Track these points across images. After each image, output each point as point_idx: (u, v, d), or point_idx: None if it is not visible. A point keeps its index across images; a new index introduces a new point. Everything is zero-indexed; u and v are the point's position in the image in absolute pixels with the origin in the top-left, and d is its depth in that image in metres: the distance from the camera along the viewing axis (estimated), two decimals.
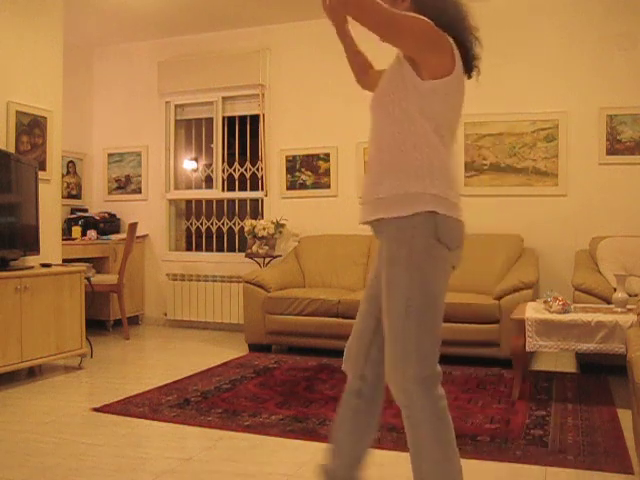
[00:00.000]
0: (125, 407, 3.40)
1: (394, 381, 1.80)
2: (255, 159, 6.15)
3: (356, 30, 1.96)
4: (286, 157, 5.92)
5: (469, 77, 1.86)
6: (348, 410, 1.97)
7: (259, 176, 6.08)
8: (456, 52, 1.75)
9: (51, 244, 4.64)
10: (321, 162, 5.79)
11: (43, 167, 4.62)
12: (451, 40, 1.74)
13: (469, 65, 1.84)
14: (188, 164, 6.57)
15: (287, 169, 5.92)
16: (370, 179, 1.84)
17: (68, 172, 6.25)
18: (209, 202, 6.37)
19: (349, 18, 1.84)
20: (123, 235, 5.94)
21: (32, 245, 4.31)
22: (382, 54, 1.97)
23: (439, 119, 1.75)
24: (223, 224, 6.28)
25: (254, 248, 5.63)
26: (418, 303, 1.77)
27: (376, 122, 1.86)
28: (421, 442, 1.79)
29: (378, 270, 1.88)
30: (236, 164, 6.20)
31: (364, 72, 2.17)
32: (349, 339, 2.01)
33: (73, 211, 6.20)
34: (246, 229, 5.67)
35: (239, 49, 6.00)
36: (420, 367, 1.80)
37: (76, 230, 5.90)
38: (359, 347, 1.95)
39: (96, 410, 3.35)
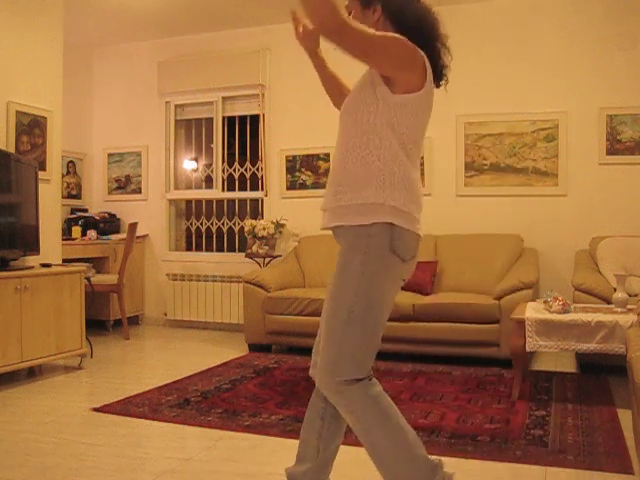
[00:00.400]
0: (125, 407, 3.40)
1: (326, 384, 1.83)
2: (255, 159, 6.15)
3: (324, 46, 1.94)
4: (286, 157, 5.92)
5: (438, 86, 1.90)
6: (316, 414, 2.02)
7: (259, 176, 6.08)
8: (428, 66, 1.78)
9: (51, 244, 4.64)
10: (321, 162, 5.79)
11: (43, 167, 4.62)
12: (422, 53, 1.76)
13: (439, 75, 1.88)
14: (188, 164, 6.57)
15: (287, 169, 5.92)
16: (333, 187, 1.88)
17: (68, 172, 6.25)
18: (209, 202, 6.37)
19: (321, 42, 1.83)
20: (123, 235, 5.94)
21: (32, 245, 4.31)
22: (356, 69, 1.94)
23: (406, 133, 1.78)
24: (223, 224, 6.28)
25: (254, 248, 5.63)
26: (361, 310, 1.79)
27: (343, 130, 1.90)
28: (370, 430, 1.83)
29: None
30: (236, 164, 6.20)
31: (340, 94, 2.16)
32: (314, 345, 2.02)
33: (73, 211, 6.20)
34: (246, 229, 5.67)
35: (239, 49, 6.00)
36: (354, 372, 1.80)
37: (76, 230, 5.90)
38: (318, 347, 1.97)
39: (96, 410, 3.35)
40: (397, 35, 1.72)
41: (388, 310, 1.87)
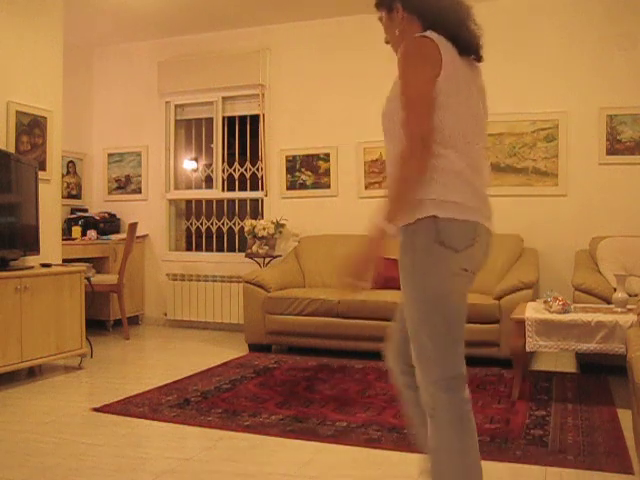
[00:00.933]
0: (125, 407, 3.40)
1: (420, 383, 1.81)
2: (255, 159, 6.15)
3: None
4: (286, 157, 5.92)
5: (479, 60, 1.89)
6: (410, 404, 1.97)
7: (259, 176, 6.08)
8: (445, 55, 1.73)
9: (51, 244, 4.64)
10: (321, 162, 5.79)
11: (43, 167, 4.62)
12: (439, 43, 1.74)
13: (475, 50, 1.88)
14: (188, 164, 6.57)
15: (287, 169, 5.92)
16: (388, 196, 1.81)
17: (68, 172, 6.25)
18: (209, 202, 6.36)
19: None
20: (123, 235, 5.94)
21: (32, 245, 4.31)
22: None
23: (440, 126, 1.71)
24: (223, 224, 6.28)
25: (254, 248, 5.63)
26: (425, 307, 1.78)
27: (385, 141, 1.88)
28: (443, 443, 1.76)
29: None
30: (236, 164, 6.20)
31: None
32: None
33: (73, 211, 6.20)
34: (246, 229, 5.67)
35: (239, 49, 6.00)
36: (440, 370, 1.78)
37: (76, 230, 5.90)
38: (392, 345, 2.00)
39: (96, 410, 3.35)
40: (418, 60, 1.73)
41: (459, 305, 1.86)
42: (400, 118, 1.71)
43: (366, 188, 5.66)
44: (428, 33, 1.75)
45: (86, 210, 6.32)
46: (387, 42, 2.00)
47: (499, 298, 4.32)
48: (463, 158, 1.75)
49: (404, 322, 1.86)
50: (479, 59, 1.87)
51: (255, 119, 6.13)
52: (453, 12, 1.85)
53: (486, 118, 1.88)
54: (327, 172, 5.77)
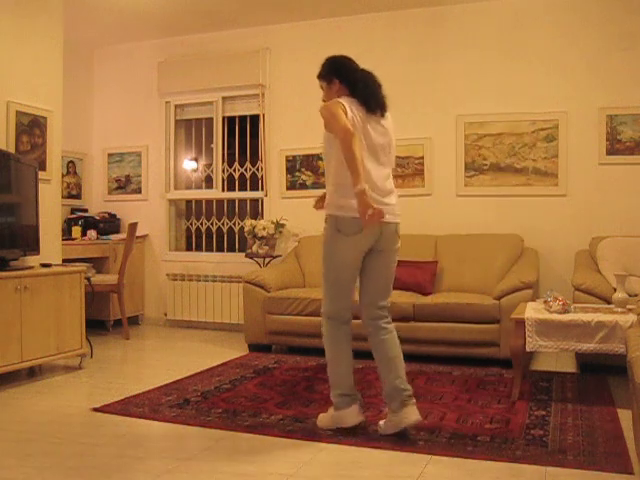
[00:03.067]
0: (125, 407, 3.40)
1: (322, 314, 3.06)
2: (255, 159, 6.15)
3: None
4: (286, 157, 5.92)
5: (383, 115, 2.97)
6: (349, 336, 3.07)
7: (259, 176, 6.08)
8: (349, 110, 2.84)
9: (51, 244, 4.64)
10: (321, 162, 5.78)
11: (43, 167, 4.62)
12: (347, 105, 2.86)
13: (382, 106, 2.97)
14: (188, 164, 6.57)
15: (287, 169, 5.92)
16: (328, 196, 2.96)
17: (68, 172, 6.25)
18: (209, 202, 6.37)
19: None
20: (123, 235, 5.94)
21: (32, 245, 4.31)
22: None
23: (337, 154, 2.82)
24: (223, 224, 6.28)
25: (254, 248, 5.63)
26: (326, 263, 2.96)
27: (325, 161, 3.03)
28: (326, 353, 3.04)
29: None
30: (236, 164, 6.20)
31: None
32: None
33: (73, 211, 6.20)
34: (246, 229, 5.67)
35: (239, 49, 6.00)
36: (328, 305, 3.01)
37: (76, 230, 5.90)
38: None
39: (96, 410, 3.35)
40: (338, 113, 2.79)
41: (345, 266, 2.92)
42: (331, 148, 2.89)
43: None
44: (341, 99, 2.90)
45: (86, 210, 6.32)
46: (324, 101, 3.02)
47: (499, 298, 4.32)
48: (367, 176, 2.79)
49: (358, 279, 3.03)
50: (384, 113, 2.97)
51: (255, 119, 6.13)
52: (366, 87, 2.95)
53: (390, 149, 3.00)
54: None
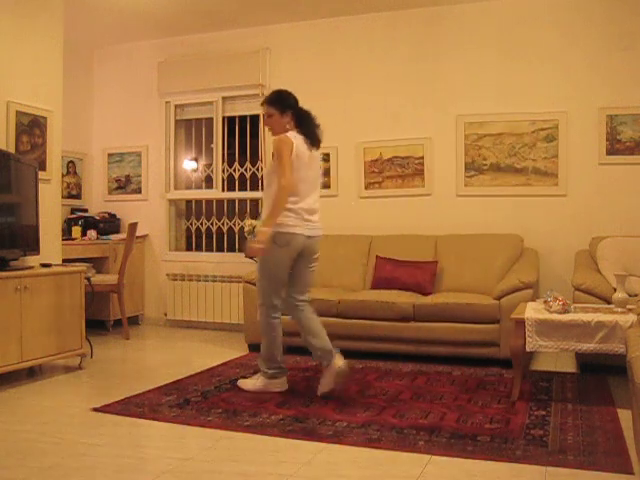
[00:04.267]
0: (125, 407, 3.40)
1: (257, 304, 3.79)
2: (255, 159, 6.15)
3: None
4: None
5: (318, 147, 3.73)
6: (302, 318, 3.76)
7: (259, 176, 6.08)
8: (296, 145, 3.55)
9: (51, 244, 4.64)
10: (321, 162, 5.77)
11: (43, 167, 4.62)
12: (295, 143, 3.56)
13: (317, 140, 3.70)
14: (188, 164, 6.57)
15: None
16: (263, 212, 3.68)
17: (68, 172, 6.25)
18: (209, 202, 6.37)
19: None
20: (123, 235, 5.94)
21: (32, 245, 4.31)
22: None
23: (295, 183, 3.53)
24: (223, 224, 6.28)
25: None
26: (262, 267, 3.67)
27: (265, 188, 3.74)
28: (262, 336, 3.76)
29: None
30: (236, 164, 6.20)
31: None
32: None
33: (73, 211, 6.20)
34: (246, 229, 5.66)
35: (239, 49, 6.00)
36: (262, 299, 3.71)
37: (76, 230, 5.90)
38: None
39: (96, 410, 3.35)
40: (286, 149, 3.52)
41: (276, 270, 3.62)
42: (270, 180, 3.59)
43: (366, 188, 5.66)
44: (289, 134, 3.58)
45: (86, 210, 6.32)
46: (270, 129, 3.79)
47: (499, 298, 4.32)
48: (299, 201, 3.56)
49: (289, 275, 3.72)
50: (318, 147, 3.72)
51: (255, 119, 6.13)
52: (308, 124, 3.66)
53: (319, 176, 3.83)
54: (326, 172, 5.77)
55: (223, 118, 6.21)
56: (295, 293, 3.72)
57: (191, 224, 6.44)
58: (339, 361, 3.54)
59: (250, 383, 3.76)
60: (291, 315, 3.75)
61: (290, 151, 3.50)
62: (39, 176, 4.44)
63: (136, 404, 3.45)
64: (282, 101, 3.68)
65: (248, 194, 6.19)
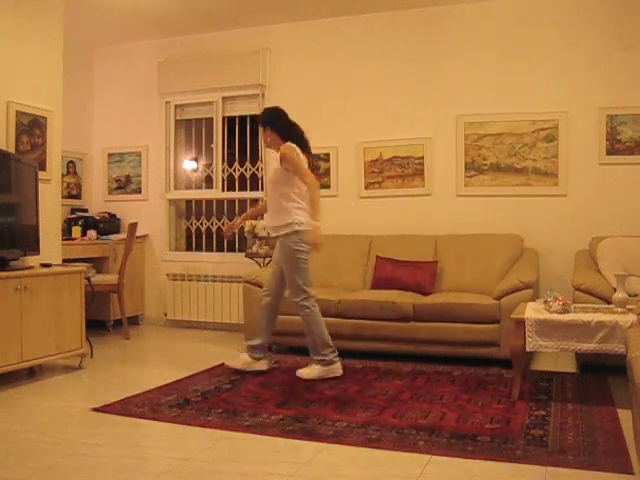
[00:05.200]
0: (125, 407, 3.40)
1: (293, 300, 4.07)
2: (255, 159, 6.15)
3: None
4: None
5: (310, 153, 4.13)
6: (267, 309, 4.23)
7: (259, 176, 6.08)
8: (299, 152, 3.99)
9: (51, 244, 4.64)
10: (321, 162, 5.79)
11: (43, 167, 4.62)
12: (298, 150, 4.01)
13: (308, 148, 4.11)
14: (188, 164, 6.57)
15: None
16: (269, 216, 4.12)
17: (68, 172, 6.25)
18: (209, 202, 6.37)
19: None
20: (123, 235, 5.94)
21: (32, 245, 4.31)
22: None
23: (293, 186, 3.99)
24: (223, 224, 6.28)
25: (254, 248, 5.64)
26: (292, 267, 4.01)
27: (268, 196, 4.16)
28: (312, 323, 4.04)
29: (276, 254, 4.24)
30: (236, 164, 6.20)
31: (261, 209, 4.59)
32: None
33: (73, 211, 6.20)
34: (246, 229, 5.67)
35: (239, 49, 6.00)
36: (298, 295, 4.05)
37: (76, 230, 5.90)
38: (270, 280, 4.25)
39: (96, 410, 3.35)
40: (296, 157, 3.97)
41: (305, 263, 4.05)
42: (278, 186, 4.02)
43: (366, 188, 5.66)
44: (288, 144, 3.99)
45: (86, 210, 6.32)
46: (268, 145, 4.17)
47: (499, 298, 4.32)
48: (299, 201, 4.01)
49: (279, 273, 4.15)
50: (310, 153, 4.13)
51: (255, 119, 6.12)
52: (298, 136, 4.06)
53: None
54: (327, 172, 5.77)
55: (223, 118, 6.21)
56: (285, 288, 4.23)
57: (191, 224, 6.44)
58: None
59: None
60: (265, 308, 4.24)
61: (298, 154, 3.95)
62: (39, 176, 4.44)
63: (136, 404, 3.45)
64: (276, 120, 4.11)
65: (248, 194, 6.19)
